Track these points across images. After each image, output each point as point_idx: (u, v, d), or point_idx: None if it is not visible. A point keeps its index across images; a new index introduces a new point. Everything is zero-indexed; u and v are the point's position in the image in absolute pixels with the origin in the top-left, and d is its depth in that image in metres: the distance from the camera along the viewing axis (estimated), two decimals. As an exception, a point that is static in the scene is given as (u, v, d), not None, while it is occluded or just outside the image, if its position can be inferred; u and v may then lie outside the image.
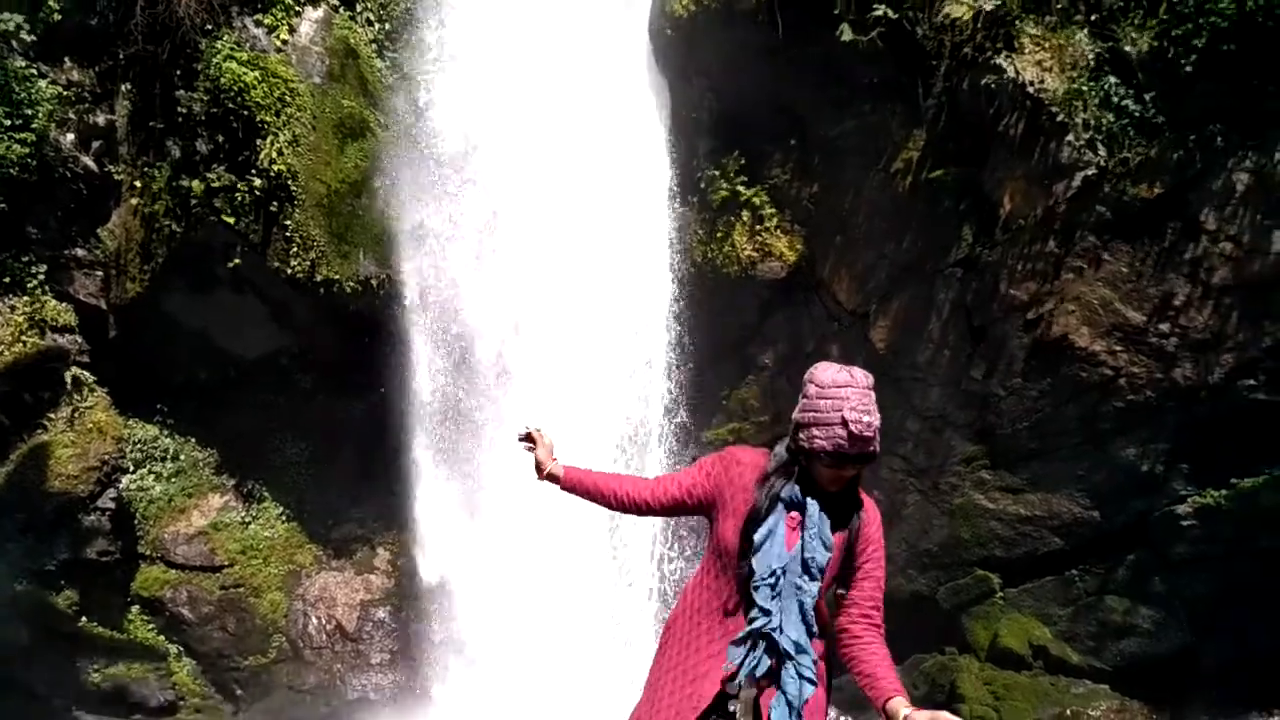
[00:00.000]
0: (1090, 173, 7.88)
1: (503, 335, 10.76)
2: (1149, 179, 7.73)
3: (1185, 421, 7.98)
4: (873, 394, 3.30)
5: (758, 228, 9.70)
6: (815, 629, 3.35)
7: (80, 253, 11.19)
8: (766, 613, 3.29)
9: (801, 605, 3.31)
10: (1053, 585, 8.85)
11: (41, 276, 10.70)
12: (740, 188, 9.70)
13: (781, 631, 3.28)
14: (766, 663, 3.29)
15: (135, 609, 11.39)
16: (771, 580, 3.29)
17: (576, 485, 3.80)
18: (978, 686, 8.98)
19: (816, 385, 3.32)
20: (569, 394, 10.17)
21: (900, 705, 3.20)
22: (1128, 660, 8.49)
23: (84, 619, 10.78)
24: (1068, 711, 8.54)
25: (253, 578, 11.58)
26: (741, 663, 3.30)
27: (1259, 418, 7.70)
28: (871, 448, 3.25)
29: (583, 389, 10.22)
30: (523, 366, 10.63)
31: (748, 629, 3.31)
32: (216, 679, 11.44)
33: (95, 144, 10.96)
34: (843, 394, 3.26)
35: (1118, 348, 8.06)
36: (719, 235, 9.87)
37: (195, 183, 10.42)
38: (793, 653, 3.28)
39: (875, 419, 3.25)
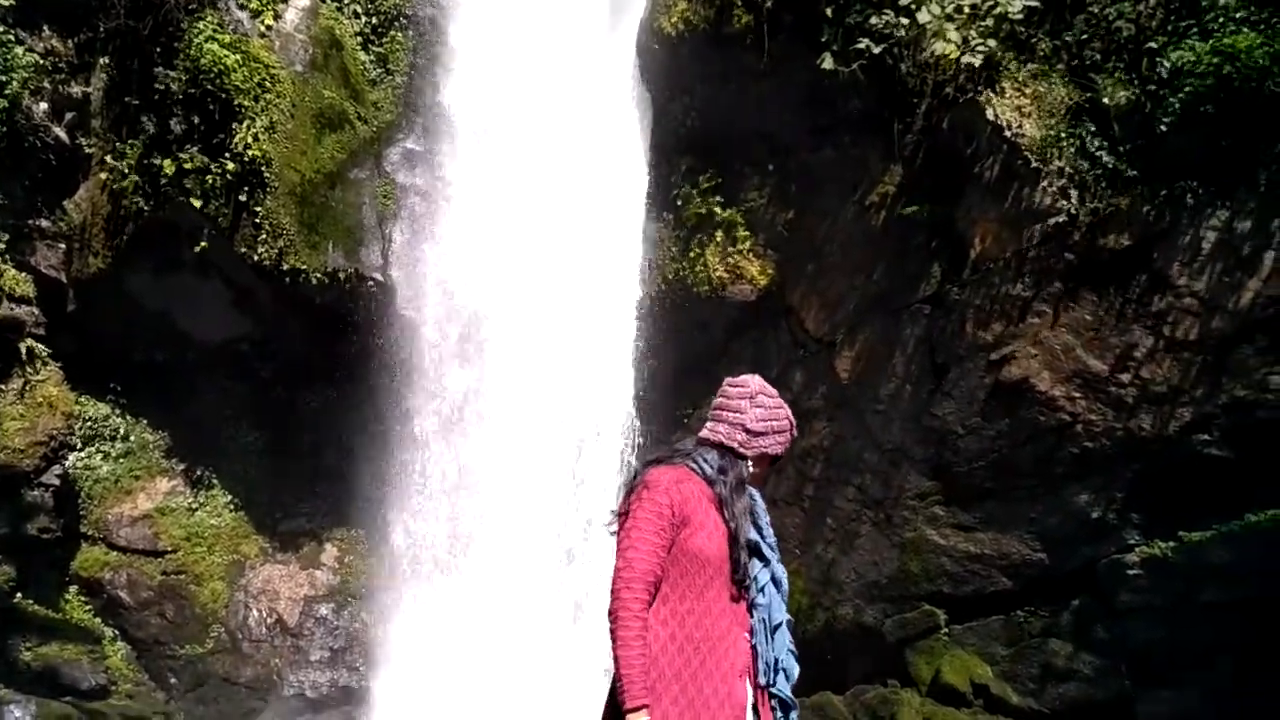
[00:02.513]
0: (1061, 219, 7.96)
1: (470, 338, 10.72)
2: (1118, 230, 7.82)
3: (1138, 472, 8.05)
4: None
5: (730, 249, 9.73)
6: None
7: (44, 224, 11.04)
8: (764, 603, 3.51)
9: (781, 590, 3.59)
10: (998, 625, 8.89)
11: (3, 245, 10.52)
12: (716, 208, 9.73)
13: (773, 616, 3.52)
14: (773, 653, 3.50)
15: (73, 589, 11.23)
16: (764, 571, 3.54)
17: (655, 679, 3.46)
18: (917, 721, 9.00)
19: (769, 397, 3.68)
20: (533, 402, 10.15)
21: None
22: (1067, 705, 8.51)
23: (19, 596, 10.59)
24: (1004, 752, 8.58)
25: (195, 565, 11.44)
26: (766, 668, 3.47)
27: (1211, 473, 7.78)
28: None
29: (547, 397, 10.20)
30: (488, 371, 10.60)
31: (761, 617, 3.49)
32: (151, 665, 11.28)
33: (69, 115, 10.83)
34: (780, 403, 3.71)
35: (1077, 394, 8.13)
36: (692, 254, 9.89)
37: (167, 162, 10.31)
38: (788, 633, 3.54)
39: None
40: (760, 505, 3.65)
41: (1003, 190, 8.21)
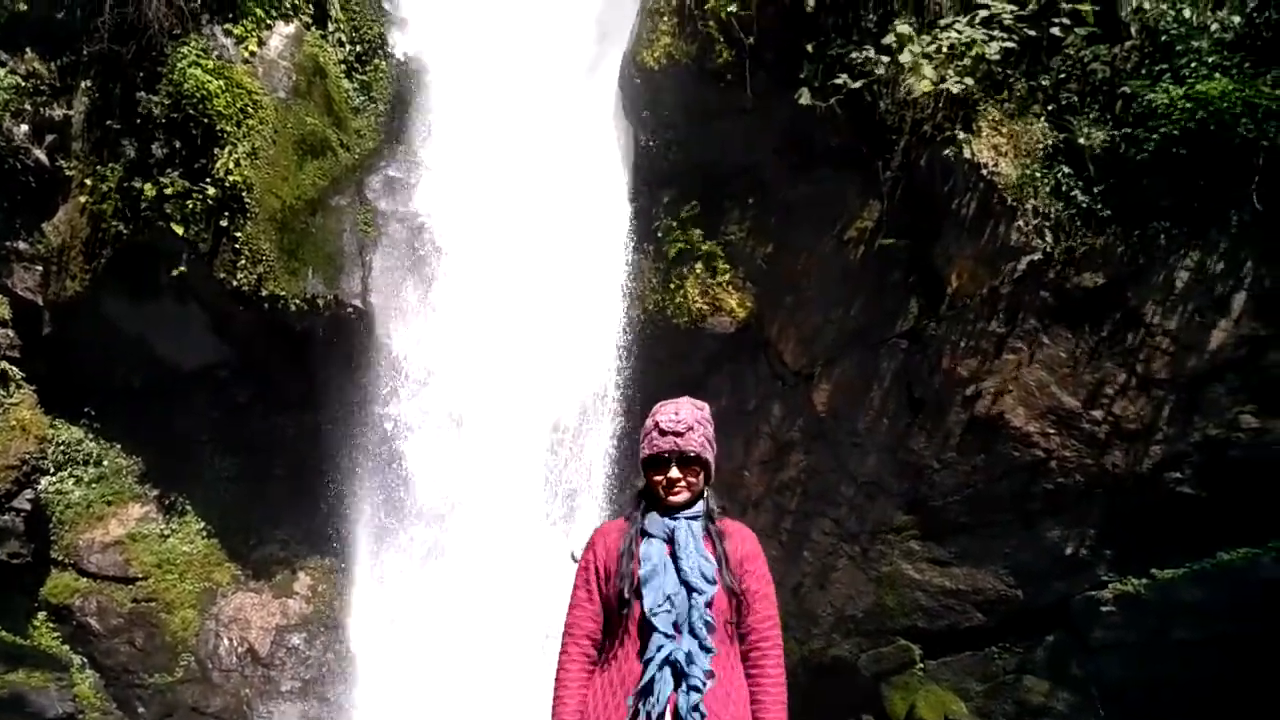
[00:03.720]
0: (1036, 258, 8.05)
1: (450, 368, 10.71)
2: (1092, 269, 7.92)
3: (1112, 508, 8.11)
4: (694, 407, 3.61)
5: (710, 281, 9.78)
6: (711, 646, 3.40)
7: (22, 246, 11.02)
8: (669, 637, 3.37)
9: (693, 625, 3.40)
10: (972, 660, 8.90)
11: (-22, 267, 10.49)
12: (696, 240, 9.79)
13: (678, 649, 3.36)
14: (669, 688, 3.33)
15: (42, 615, 11.10)
16: (668, 606, 3.39)
17: None
18: (891, 756, 8.99)
19: (647, 416, 3.66)
20: (512, 432, 10.14)
21: None
22: (1041, 742, 8.56)
23: (-13, 621, 10.49)
24: (977, 789, 8.58)
25: (166, 592, 11.32)
26: (655, 703, 3.33)
27: (1183, 511, 7.84)
28: (685, 442, 3.51)
29: (526, 427, 10.19)
30: (467, 402, 10.58)
31: (650, 654, 3.35)
32: (119, 694, 11.12)
33: (49, 137, 10.82)
34: (659, 407, 3.63)
35: (1051, 430, 8.20)
36: (672, 285, 9.93)
37: (147, 186, 10.28)
38: (684, 667, 3.34)
39: (689, 418, 3.55)
40: (684, 530, 3.52)
41: (979, 228, 8.31)
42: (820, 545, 9.43)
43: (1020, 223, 8.07)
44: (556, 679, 3.54)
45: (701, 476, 3.60)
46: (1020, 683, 8.65)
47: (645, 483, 3.64)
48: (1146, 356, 7.86)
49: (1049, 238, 7.98)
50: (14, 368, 10.82)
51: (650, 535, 3.52)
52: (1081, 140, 7.90)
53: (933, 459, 8.70)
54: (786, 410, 9.53)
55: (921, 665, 9.14)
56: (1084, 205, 7.88)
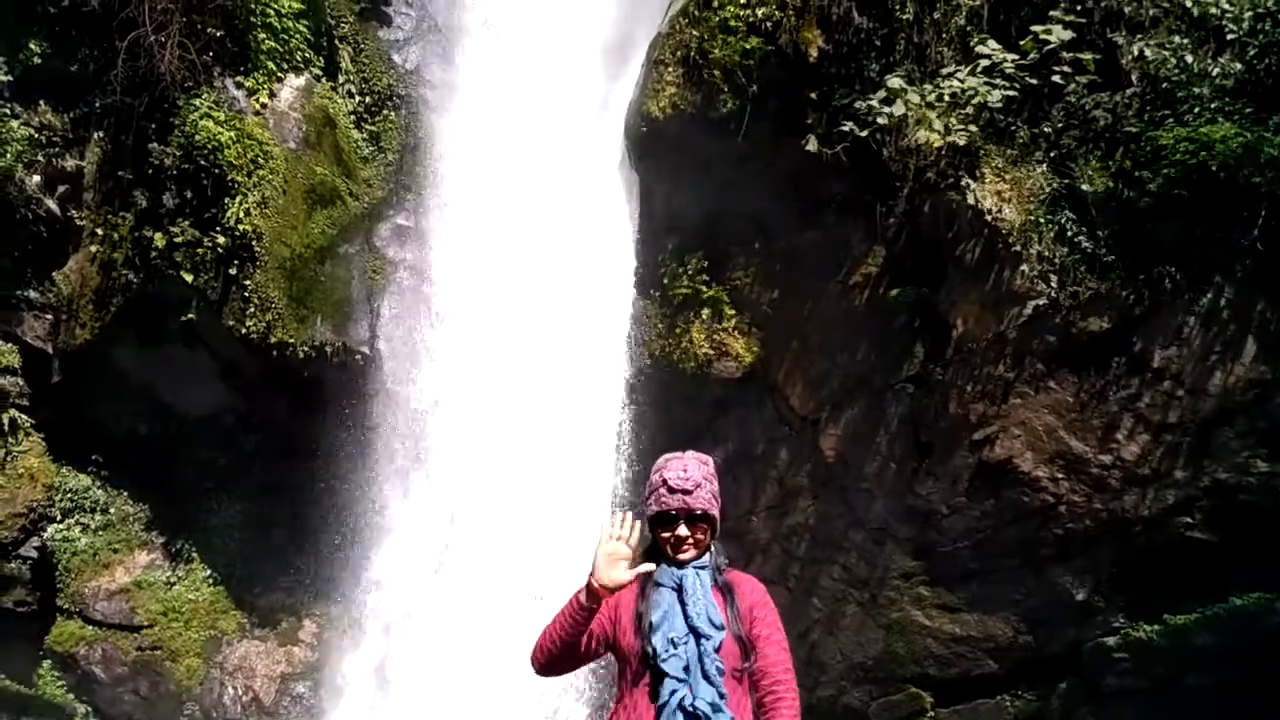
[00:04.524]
0: (1041, 302, 8.08)
1: (457, 414, 10.73)
2: (1098, 313, 7.93)
3: (1122, 553, 8.07)
4: (700, 463, 3.66)
5: (716, 326, 9.80)
6: (725, 693, 3.40)
7: (32, 295, 11.11)
8: (681, 681, 3.37)
9: (706, 671, 3.40)
10: (985, 709, 8.81)
11: (-10, 317, 10.58)
12: (701, 286, 9.83)
13: (696, 697, 3.36)
14: None
15: (47, 664, 11.08)
16: (678, 651, 3.42)
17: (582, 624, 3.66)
18: (904, 806, 8.89)
19: (652, 470, 3.71)
20: (518, 476, 10.12)
21: None
22: (1055, 791, 8.45)
23: (-7, 670, 10.46)
24: (991, 843, 8.46)
25: (172, 640, 11.29)
26: None
27: (1194, 556, 7.80)
28: (693, 500, 3.56)
29: (533, 473, 10.17)
30: (474, 444, 10.58)
31: (664, 699, 3.37)
32: (123, 745, 11.05)
33: (61, 188, 10.96)
34: (665, 463, 3.67)
35: (1060, 475, 8.17)
36: (678, 331, 9.96)
37: (158, 235, 10.39)
38: (710, 715, 3.35)
39: (696, 475, 3.58)
40: (692, 578, 3.56)
41: (984, 273, 8.34)
42: (829, 591, 9.38)
43: (1025, 268, 8.10)
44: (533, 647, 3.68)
45: (708, 532, 3.66)
46: (1033, 732, 8.57)
47: (653, 538, 3.67)
48: (1154, 400, 7.85)
49: (1054, 283, 8.01)
50: (23, 415, 10.88)
51: (660, 585, 3.57)
52: (1084, 186, 7.95)
53: (941, 504, 8.67)
54: (794, 455, 9.52)
55: (933, 713, 9.05)
56: (1088, 250, 7.91)
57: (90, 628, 11.23)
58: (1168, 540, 7.89)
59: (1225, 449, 7.71)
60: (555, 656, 3.62)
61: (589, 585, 3.52)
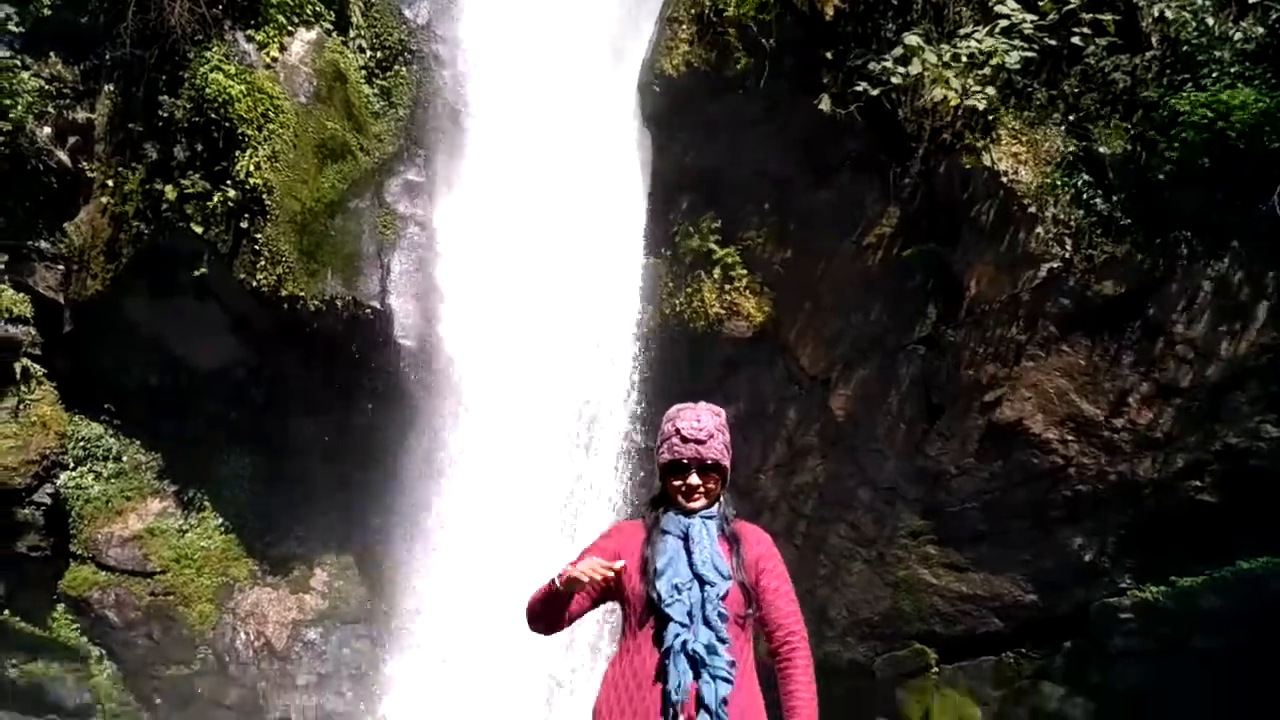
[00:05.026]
0: (1055, 265, 8.06)
1: (464, 369, 10.75)
2: (1112, 277, 7.91)
3: (1131, 516, 8.12)
4: (713, 414, 3.68)
5: (727, 286, 9.79)
6: (727, 636, 3.46)
7: (44, 245, 11.14)
8: (684, 626, 3.43)
9: (707, 616, 3.46)
10: (989, 666, 8.91)
11: (2, 266, 10.59)
12: (714, 246, 9.80)
13: (695, 640, 3.42)
14: (689, 677, 3.39)
15: (61, 608, 11.23)
16: (682, 597, 3.47)
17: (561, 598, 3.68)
18: (906, 760, 9.03)
19: (664, 419, 3.71)
20: (527, 434, 10.17)
21: None
22: (1056, 748, 8.57)
23: (7, 612, 10.64)
24: (991, 794, 8.61)
25: (184, 587, 11.44)
26: (677, 688, 3.39)
27: (1203, 519, 7.85)
28: (705, 450, 3.59)
29: (542, 430, 10.22)
30: (484, 400, 10.62)
31: (669, 643, 3.42)
32: (136, 686, 11.26)
33: (72, 139, 10.94)
34: (678, 413, 3.68)
35: (1070, 438, 8.21)
36: (689, 290, 9.95)
37: (169, 188, 10.38)
38: (705, 657, 3.40)
39: (709, 425, 3.61)
40: (699, 526, 3.59)
41: (998, 235, 8.31)
42: (836, 549, 9.46)
43: (1040, 230, 8.07)
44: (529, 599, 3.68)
45: (719, 482, 3.68)
46: (1037, 689, 8.65)
47: (662, 485, 3.72)
48: (1167, 365, 7.86)
49: (1069, 246, 7.98)
50: (35, 364, 10.92)
51: (667, 532, 3.61)
52: (1102, 149, 7.90)
53: (950, 465, 8.72)
54: (803, 415, 9.56)
55: (937, 670, 9.15)
56: (1104, 213, 7.88)
57: (104, 573, 11.38)
58: (1177, 504, 7.93)
59: (1236, 414, 7.73)
60: (543, 619, 3.68)
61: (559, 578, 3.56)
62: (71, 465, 11.45)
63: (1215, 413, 7.77)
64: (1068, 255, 8.00)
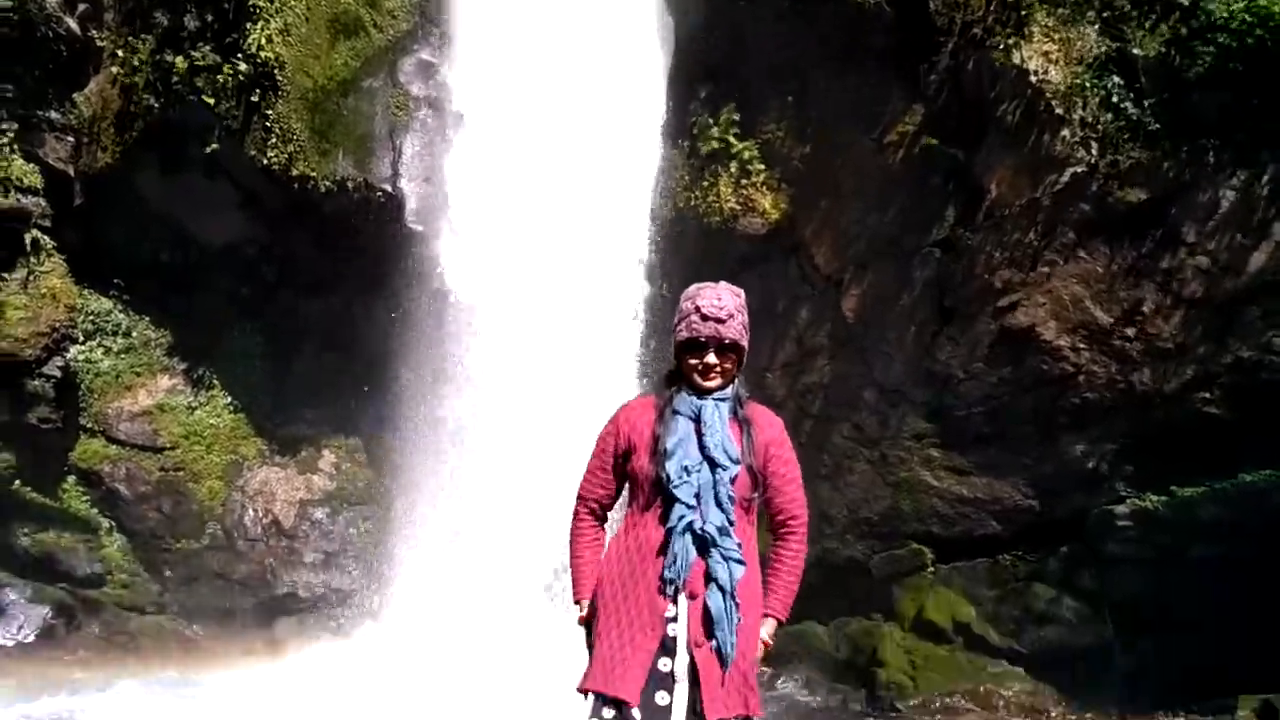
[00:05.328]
0: (1080, 170, 7.93)
1: (476, 259, 10.63)
2: (1137, 184, 7.80)
3: (1136, 425, 8.14)
4: (733, 294, 3.58)
5: (744, 181, 9.64)
6: (734, 519, 3.46)
7: (54, 115, 10.96)
8: (690, 507, 3.42)
9: (718, 498, 3.44)
10: (984, 567, 9.05)
11: (11, 135, 10.46)
12: (731, 139, 9.61)
13: (705, 521, 3.41)
14: (693, 554, 3.40)
15: (71, 479, 11.35)
16: (690, 479, 3.44)
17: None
18: (898, 654, 9.19)
19: (683, 297, 3.61)
20: (539, 326, 10.08)
21: (765, 627, 3.56)
22: (1046, 647, 8.69)
23: (18, 483, 10.75)
24: (981, 688, 8.76)
25: (194, 463, 11.55)
26: (673, 565, 3.41)
27: (1209, 431, 7.87)
28: (725, 329, 3.50)
29: (555, 324, 10.12)
30: (495, 292, 10.51)
31: (672, 524, 3.41)
32: (146, 558, 11.44)
33: (81, 6, 10.67)
34: (698, 291, 3.57)
35: (1082, 345, 8.18)
36: (704, 183, 9.81)
37: (179, 59, 10.20)
38: (716, 538, 3.40)
39: (730, 305, 3.51)
40: (711, 409, 3.54)
41: (1023, 136, 8.16)
42: (839, 448, 9.52)
43: (1066, 133, 7.93)
44: (571, 541, 3.71)
45: (736, 363, 3.61)
46: (1030, 590, 8.80)
47: (677, 364, 3.65)
48: (1184, 275, 7.79)
49: (1094, 150, 7.85)
50: (45, 236, 10.86)
51: (678, 413, 3.56)
52: (1135, 50, 7.70)
53: (959, 369, 8.71)
54: (814, 315, 9.51)
55: (933, 569, 9.30)
56: (1133, 118, 7.73)
57: (114, 447, 11.48)
58: (1185, 415, 7.95)
59: (1251, 327, 7.70)
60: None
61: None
62: (81, 339, 11.45)
63: (1229, 325, 7.75)
64: (1093, 160, 7.88)
